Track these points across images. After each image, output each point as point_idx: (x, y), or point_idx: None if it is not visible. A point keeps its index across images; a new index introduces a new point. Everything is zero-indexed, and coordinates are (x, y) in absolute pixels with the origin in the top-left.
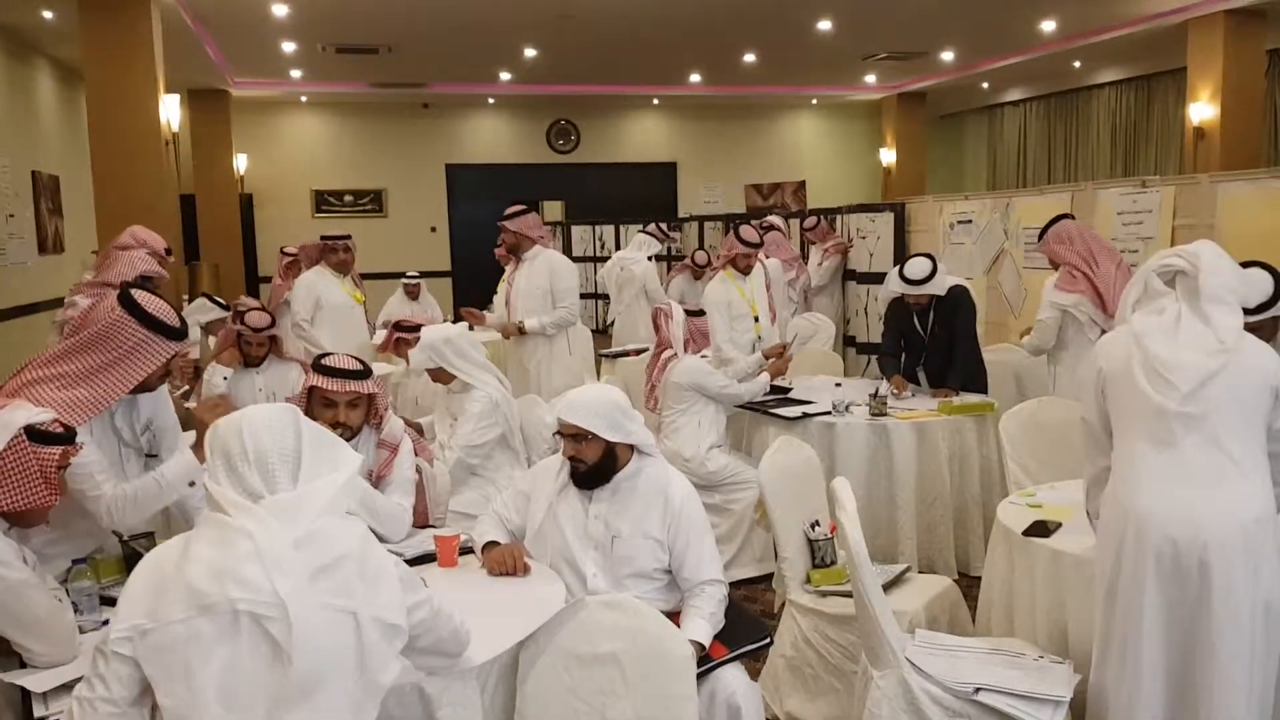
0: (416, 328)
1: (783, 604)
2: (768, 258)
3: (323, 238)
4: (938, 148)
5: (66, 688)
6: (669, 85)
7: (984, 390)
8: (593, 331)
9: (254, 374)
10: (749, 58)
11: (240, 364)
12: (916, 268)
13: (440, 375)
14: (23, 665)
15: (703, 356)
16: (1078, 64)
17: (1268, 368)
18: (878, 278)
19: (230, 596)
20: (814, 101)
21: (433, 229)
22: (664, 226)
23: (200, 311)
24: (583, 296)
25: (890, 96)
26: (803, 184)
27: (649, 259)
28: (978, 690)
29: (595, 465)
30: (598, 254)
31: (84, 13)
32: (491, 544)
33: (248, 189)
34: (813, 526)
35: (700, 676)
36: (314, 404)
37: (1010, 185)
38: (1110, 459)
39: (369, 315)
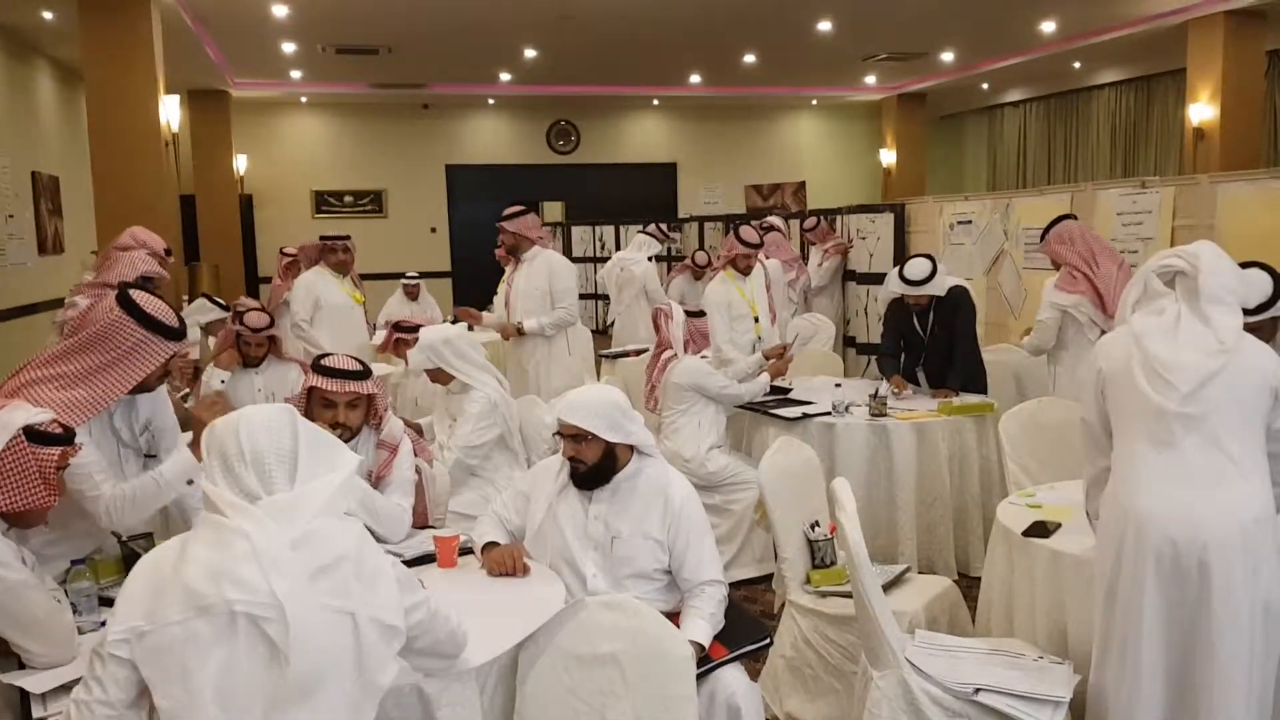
0: (416, 328)
1: (782, 604)
2: (768, 258)
3: (322, 238)
4: (938, 148)
5: (65, 688)
6: (669, 86)
7: (984, 391)
8: (593, 332)
9: (253, 374)
10: (749, 58)
11: (239, 366)
12: (916, 268)
13: (439, 376)
14: (21, 666)
15: (702, 357)
16: (1077, 65)
17: (1267, 368)
18: (878, 278)
19: (227, 598)
20: (814, 102)
21: (433, 230)
22: (664, 227)
23: (200, 312)
24: (583, 297)
25: (890, 97)
26: (803, 184)
27: (649, 259)
28: (977, 691)
29: (595, 466)
30: (598, 254)
31: (84, 13)
32: (491, 544)
33: (247, 189)
34: (812, 527)
35: (700, 677)
36: (313, 404)
37: (1010, 186)
38: (1110, 459)
39: (368, 316)
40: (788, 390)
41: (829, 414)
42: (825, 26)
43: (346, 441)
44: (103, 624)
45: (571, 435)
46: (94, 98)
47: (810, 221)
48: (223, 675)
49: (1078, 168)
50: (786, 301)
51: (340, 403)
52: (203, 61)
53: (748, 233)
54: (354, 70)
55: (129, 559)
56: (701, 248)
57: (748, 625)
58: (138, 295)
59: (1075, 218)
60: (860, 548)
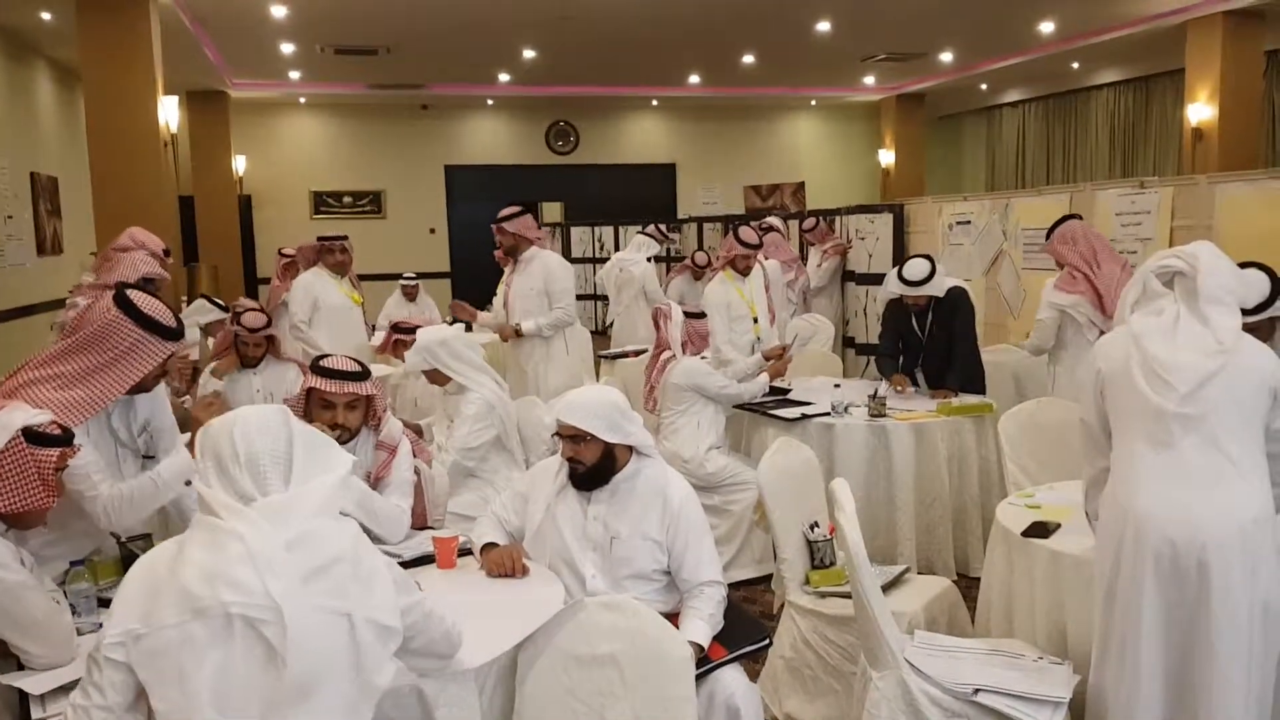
0: (415, 329)
1: (782, 605)
2: (767, 259)
3: (319, 239)
4: (936, 149)
5: (64, 689)
6: (668, 86)
7: (983, 391)
8: (592, 333)
9: (251, 375)
10: (748, 59)
11: (238, 369)
12: (915, 269)
13: (436, 377)
14: (20, 667)
15: (702, 358)
16: (1076, 65)
17: (1265, 368)
18: (877, 279)
19: (223, 600)
20: (813, 103)
21: (431, 230)
22: (663, 228)
23: (199, 313)
24: (582, 298)
25: (889, 98)
26: (802, 185)
27: (648, 260)
28: (977, 691)
29: (594, 466)
30: (597, 255)
31: (82, 14)
32: (490, 545)
33: (246, 190)
34: (812, 528)
35: (699, 678)
36: (312, 405)
37: (1009, 186)
38: (1109, 460)
39: (367, 317)
40: (787, 391)
41: (828, 414)
42: (824, 27)
43: (345, 443)
44: (101, 625)
45: (570, 436)
46: (93, 98)
47: (809, 222)
48: (219, 677)
49: (1076, 168)
50: (785, 302)
51: (339, 404)
52: (201, 62)
53: (747, 233)
54: (353, 71)
55: (128, 560)
56: (701, 248)
57: (747, 626)
58: (135, 295)
59: (1080, 218)
60: (859, 548)
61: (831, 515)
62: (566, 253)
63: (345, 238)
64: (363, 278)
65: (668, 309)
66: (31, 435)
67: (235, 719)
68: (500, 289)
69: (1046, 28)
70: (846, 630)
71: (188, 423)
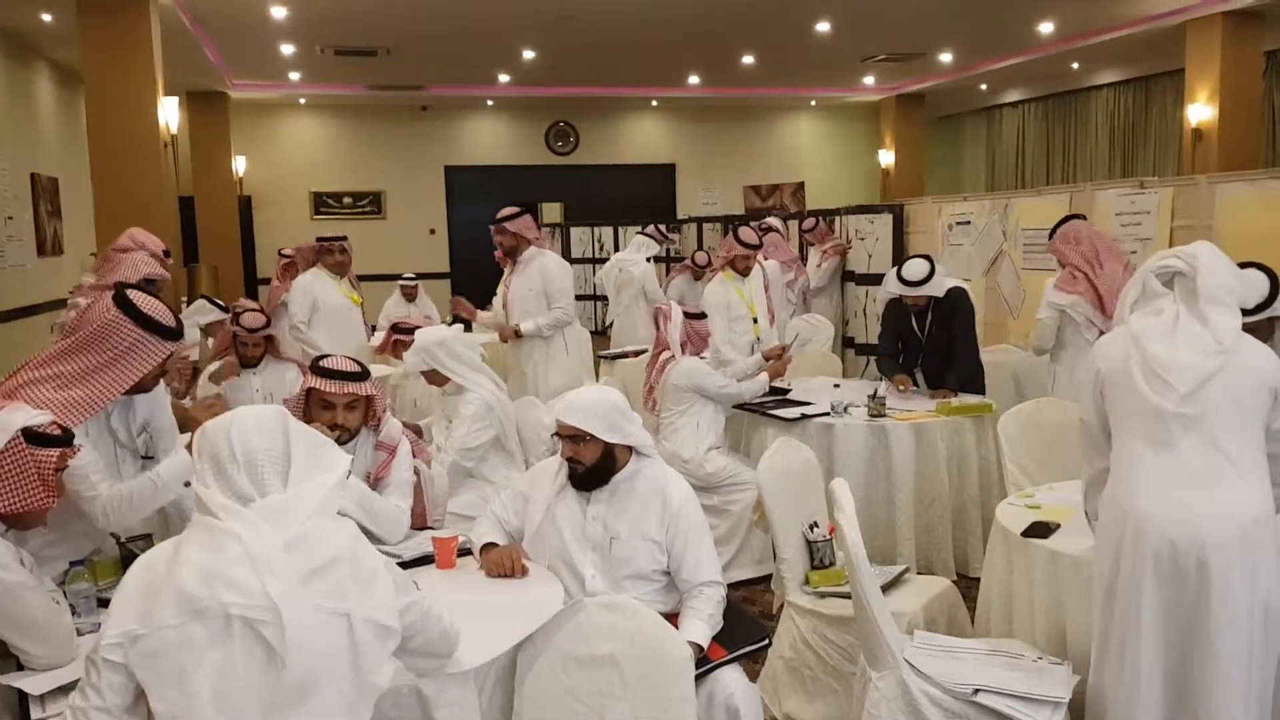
0: (415, 329)
1: (781, 605)
2: (766, 259)
3: (318, 239)
4: (936, 149)
5: (64, 690)
6: (668, 87)
7: (982, 391)
8: (591, 333)
9: (250, 375)
10: (748, 59)
11: (237, 375)
12: (914, 269)
13: (434, 377)
14: (20, 667)
15: (701, 358)
16: (1076, 65)
17: (1265, 368)
18: (876, 279)
19: (222, 600)
20: (813, 103)
21: (431, 231)
22: (663, 228)
23: (199, 313)
24: (581, 298)
25: (889, 98)
26: (801, 185)
27: (647, 260)
28: (976, 691)
29: (593, 466)
30: (596, 255)
31: (83, 15)
32: (490, 545)
33: (246, 191)
34: (811, 528)
35: (699, 678)
36: (312, 406)
37: (1009, 186)
38: (1108, 460)
39: (367, 317)
40: (786, 391)
41: (828, 415)
42: (824, 27)
43: (345, 443)
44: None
45: (570, 436)
46: (93, 99)
47: (809, 222)
48: (219, 678)
49: (1076, 168)
50: (785, 302)
51: (339, 404)
52: (201, 63)
53: (746, 234)
54: (353, 72)
55: (127, 560)
56: (700, 248)
57: (746, 626)
58: (134, 295)
59: (1084, 218)
60: (859, 548)
61: (831, 515)
62: (566, 253)
63: (344, 238)
64: (362, 278)
65: (667, 309)
66: (31, 436)
67: (235, 719)
68: (500, 290)
69: (1046, 28)
70: (846, 630)
71: (186, 423)
